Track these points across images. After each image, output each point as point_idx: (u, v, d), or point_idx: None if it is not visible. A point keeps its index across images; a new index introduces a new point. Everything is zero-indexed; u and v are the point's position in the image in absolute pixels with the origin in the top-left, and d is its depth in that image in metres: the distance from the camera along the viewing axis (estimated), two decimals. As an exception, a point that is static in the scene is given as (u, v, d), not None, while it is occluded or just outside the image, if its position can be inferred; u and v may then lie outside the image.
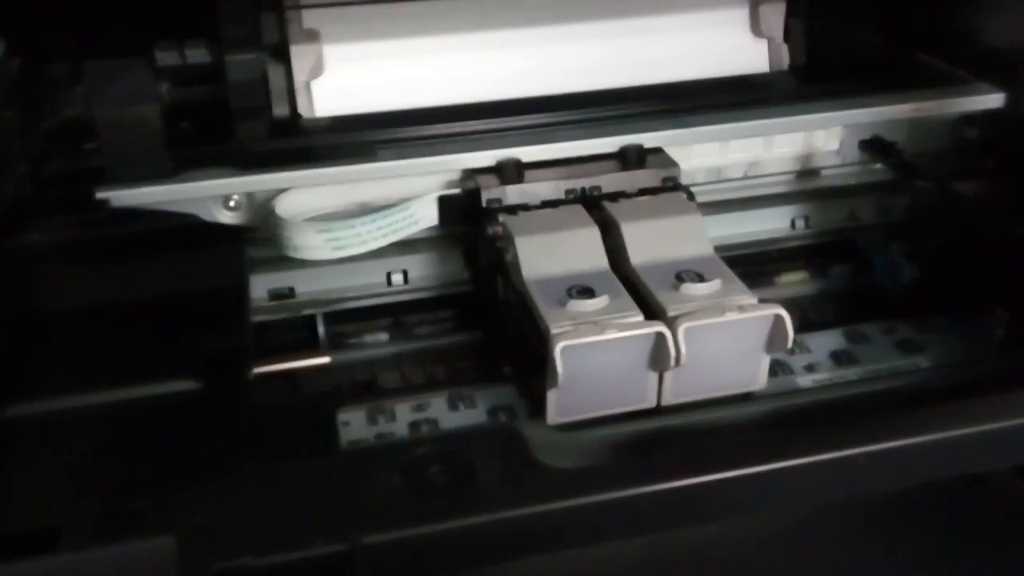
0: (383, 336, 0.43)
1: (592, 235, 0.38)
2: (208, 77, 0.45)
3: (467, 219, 0.41)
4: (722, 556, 0.37)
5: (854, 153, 0.47)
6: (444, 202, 0.41)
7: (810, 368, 0.39)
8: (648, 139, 0.42)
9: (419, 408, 0.37)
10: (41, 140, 0.44)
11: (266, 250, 0.41)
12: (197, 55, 0.45)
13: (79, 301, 0.35)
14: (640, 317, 0.34)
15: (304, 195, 0.40)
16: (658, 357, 0.33)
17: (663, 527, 0.31)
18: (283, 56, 0.46)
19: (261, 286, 0.42)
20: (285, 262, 0.41)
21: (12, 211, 0.39)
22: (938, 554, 0.38)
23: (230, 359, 0.32)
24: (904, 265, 0.44)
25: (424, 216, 0.41)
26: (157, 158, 0.42)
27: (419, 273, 0.43)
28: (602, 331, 0.32)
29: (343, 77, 0.46)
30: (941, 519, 0.39)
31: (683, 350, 0.33)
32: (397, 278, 0.43)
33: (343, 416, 0.36)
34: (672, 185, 0.41)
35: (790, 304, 0.35)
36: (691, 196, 0.41)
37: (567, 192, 0.41)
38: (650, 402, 0.34)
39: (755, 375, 0.35)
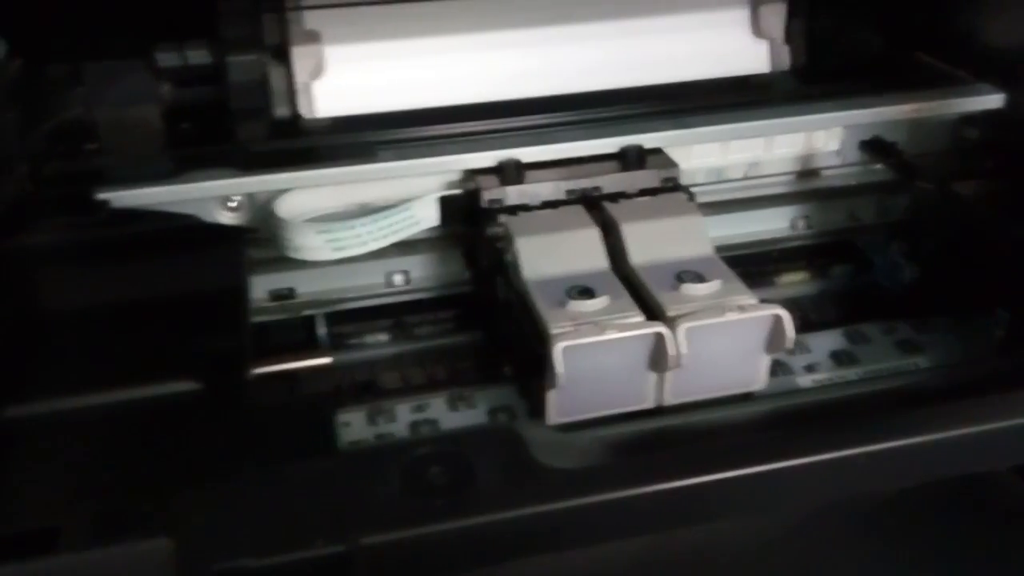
0: (383, 337, 0.43)
1: (592, 235, 0.38)
2: (209, 78, 0.45)
3: (467, 220, 0.41)
4: (722, 556, 0.37)
5: (854, 153, 0.47)
6: (444, 203, 0.41)
7: (810, 368, 0.39)
8: (648, 139, 0.42)
9: (419, 409, 0.37)
10: (42, 141, 0.44)
11: (266, 251, 0.41)
12: (198, 56, 0.45)
13: (78, 302, 0.35)
14: (640, 317, 0.34)
15: (304, 196, 0.40)
16: (658, 357, 0.33)
17: (663, 527, 0.31)
18: (284, 57, 0.46)
19: (261, 287, 0.42)
20: (285, 263, 0.41)
21: (12, 212, 0.39)
22: (938, 554, 0.38)
23: (228, 360, 0.32)
24: (904, 265, 0.44)
25: (424, 217, 0.41)
26: (157, 159, 0.42)
27: (419, 274, 0.43)
28: (602, 331, 0.32)
29: (344, 78, 0.46)
30: (941, 519, 0.39)
31: (683, 350, 0.33)
32: (397, 279, 0.43)
33: (343, 417, 0.36)
34: (672, 185, 0.41)
35: (790, 304, 0.35)
36: (691, 196, 0.41)
37: (567, 193, 0.41)
38: (650, 402, 0.34)
39: (755, 375, 0.35)
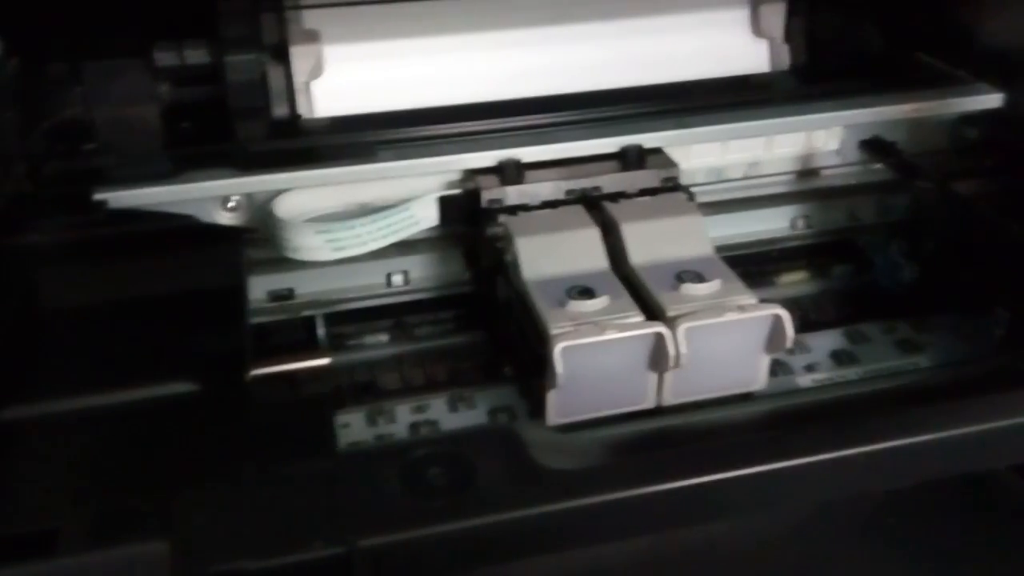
0: (383, 337, 0.43)
1: (592, 235, 0.38)
2: (208, 77, 0.45)
3: (467, 220, 0.41)
4: (722, 556, 0.37)
5: (854, 153, 0.47)
6: (444, 203, 0.41)
7: (810, 368, 0.39)
8: (648, 139, 0.42)
9: (419, 409, 0.37)
10: (40, 140, 0.44)
11: (265, 251, 0.41)
12: (197, 55, 0.45)
13: (76, 302, 0.35)
14: (640, 317, 0.34)
15: (304, 196, 0.40)
16: (658, 357, 0.33)
17: (663, 527, 0.31)
18: (283, 56, 0.46)
19: (261, 287, 0.42)
20: (285, 263, 0.41)
21: (10, 211, 0.39)
22: (938, 554, 0.38)
23: (227, 361, 0.32)
24: (904, 265, 0.44)
25: (424, 217, 0.41)
26: (156, 159, 0.42)
27: (419, 274, 0.43)
28: (602, 331, 0.32)
29: (343, 77, 0.46)
30: (941, 519, 0.39)
31: (683, 350, 0.33)
32: (397, 279, 0.43)
33: (343, 418, 0.36)
34: (672, 185, 0.41)
35: (790, 304, 0.35)
36: (691, 196, 0.41)
37: (567, 192, 0.41)
38: (650, 402, 0.34)
39: (755, 375, 0.35)
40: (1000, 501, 0.40)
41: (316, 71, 0.46)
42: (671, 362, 0.33)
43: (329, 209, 0.41)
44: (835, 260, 0.47)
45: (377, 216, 0.39)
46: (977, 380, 0.35)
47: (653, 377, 0.34)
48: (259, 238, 0.41)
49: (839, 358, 0.40)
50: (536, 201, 0.40)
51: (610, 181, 0.41)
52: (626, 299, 0.34)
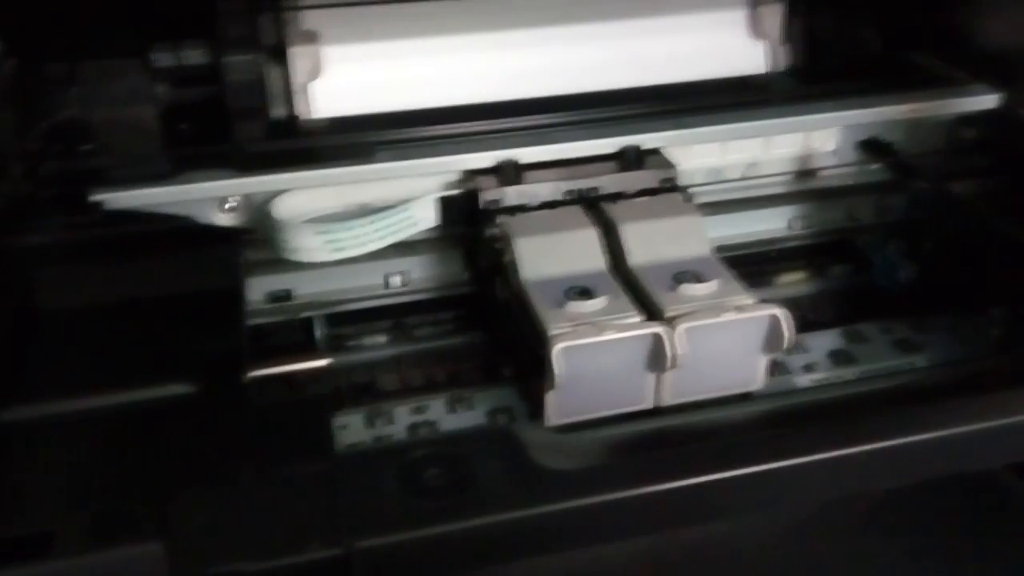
0: (382, 338, 0.43)
1: (591, 236, 0.38)
2: (206, 78, 0.45)
3: (466, 220, 0.41)
4: (721, 556, 0.37)
5: (852, 153, 0.47)
6: (443, 203, 0.41)
7: (808, 368, 0.40)
8: (647, 140, 0.42)
9: (418, 410, 0.37)
10: (38, 141, 0.44)
11: (264, 252, 0.41)
12: (195, 56, 0.45)
13: (73, 303, 0.35)
14: (638, 318, 0.34)
15: (302, 197, 0.40)
16: (657, 358, 0.33)
17: (661, 528, 0.31)
18: (281, 57, 0.46)
19: (259, 288, 0.42)
20: (283, 264, 0.41)
21: (8, 212, 0.39)
22: (937, 553, 0.38)
23: (225, 362, 0.32)
24: (902, 265, 0.44)
25: (423, 217, 0.41)
26: (154, 159, 0.42)
27: (418, 275, 0.43)
28: (600, 332, 0.32)
29: (341, 78, 0.46)
30: (940, 518, 0.39)
31: (681, 350, 0.33)
32: (396, 280, 0.43)
33: (341, 419, 0.36)
34: (671, 186, 0.41)
35: (788, 304, 0.35)
36: (690, 197, 0.41)
37: (566, 193, 0.41)
38: (649, 403, 0.34)
39: (753, 375, 0.35)
40: (1000, 501, 0.40)
41: (314, 72, 0.46)
42: (670, 362, 0.33)
43: (328, 210, 0.41)
44: (833, 260, 0.47)
45: (376, 217, 0.39)
46: (975, 380, 0.35)
47: (652, 377, 0.34)
48: (257, 239, 0.41)
49: (837, 358, 0.40)
50: (535, 202, 0.40)
51: (609, 182, 0.41)
52: (624, 299, 0.35)
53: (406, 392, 0.40)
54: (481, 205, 0.40)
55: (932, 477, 0.33)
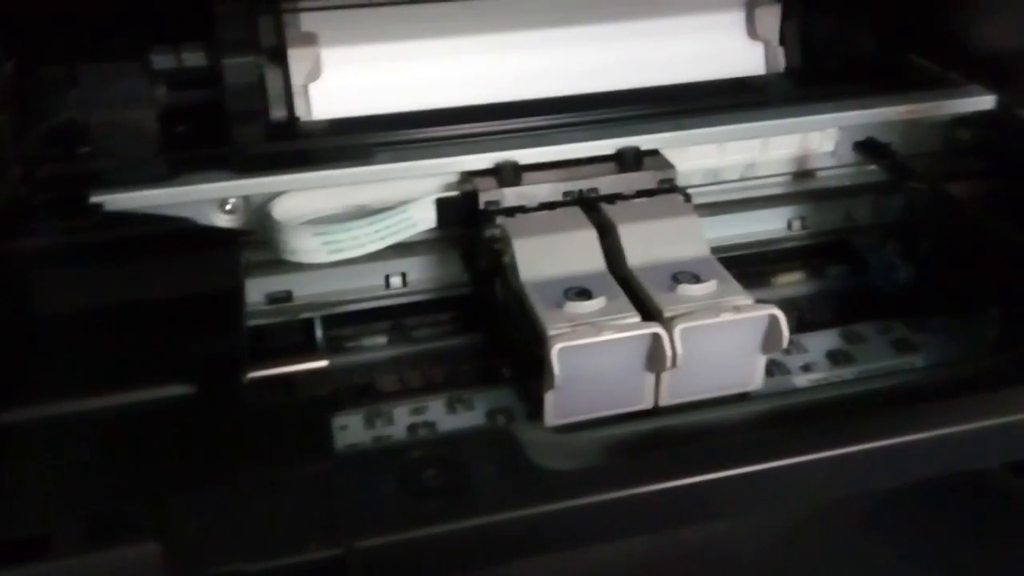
0: (381, 339, 0.43)
1: (589, 237, 0.38)
2: (205, 80, 0.45)
3: (465, 221, 0.41)
4: (721, 556, 0.37)
5: (849, 155, 0.48)
6: (442, 204, 0.41)
7: (806, 368, 0.40)
8: (645, 141, 0.42)
9: (417, 411, 0.37)
10: (36, 143, 0.44)
11: (263, 254, 0.41)
12: (194, 58, 0.45)
13: (72, 305, 0.35)
14: (637, 318, 0.34)
15: (301, 198, 0.40)
16: (655, 358, 0.33)
17: (661, 528, 0.31)
18: (280, 59, 0.46)
19: (258, 290, 0.42)
20: (282, 265, 0.41)
21: (7, 214, 0.39)
22: (936, 553, 0.38)
23: (224, 364, 0.32)
24: (899, 265, 0.44)
25: (422, 219, 0.41)
26: (153, 162, 0.42)
27: (417, 276, 0.43)
28: (599, 332, 0.32)
29: (340, 80, 0.46)
30: (939, 518, 0.39)
31: (679, 351, 0.33)
32: (395, 281, 0.43)
33: (341, 420, 0.36)
34: (669, 187, 0.41)
35: (786, 304, 0.35)
36: (688, 198, 0.41)
37: (564, 194, 0.41)
38: (647, 403, 0.34)
39: (751, 375, 0.35)
40: (999, 501, 0.40)
41: (314, 73, 0.46)
42: (668, 362, 0.33)
43: (327, 211, 0.41)
44: (831, 261, 0.48)
45: (375, 218, 0.40)
46: (972, 379, 0.35)
47: (650, 377, 0.34)
48: (257, 240, 0.41)
49: (835, 358, 0.40)
50: (533, 203, 0.40)
51: (607, 183, 0.41)
52: (623, 300, 0.35)
53: (405, 393, 0.40)
54: (480, 206, 0.40)
55: (930, 477, 0.33)
